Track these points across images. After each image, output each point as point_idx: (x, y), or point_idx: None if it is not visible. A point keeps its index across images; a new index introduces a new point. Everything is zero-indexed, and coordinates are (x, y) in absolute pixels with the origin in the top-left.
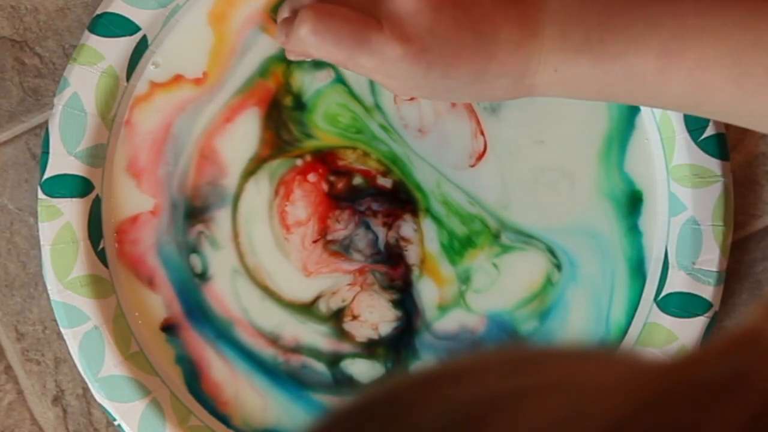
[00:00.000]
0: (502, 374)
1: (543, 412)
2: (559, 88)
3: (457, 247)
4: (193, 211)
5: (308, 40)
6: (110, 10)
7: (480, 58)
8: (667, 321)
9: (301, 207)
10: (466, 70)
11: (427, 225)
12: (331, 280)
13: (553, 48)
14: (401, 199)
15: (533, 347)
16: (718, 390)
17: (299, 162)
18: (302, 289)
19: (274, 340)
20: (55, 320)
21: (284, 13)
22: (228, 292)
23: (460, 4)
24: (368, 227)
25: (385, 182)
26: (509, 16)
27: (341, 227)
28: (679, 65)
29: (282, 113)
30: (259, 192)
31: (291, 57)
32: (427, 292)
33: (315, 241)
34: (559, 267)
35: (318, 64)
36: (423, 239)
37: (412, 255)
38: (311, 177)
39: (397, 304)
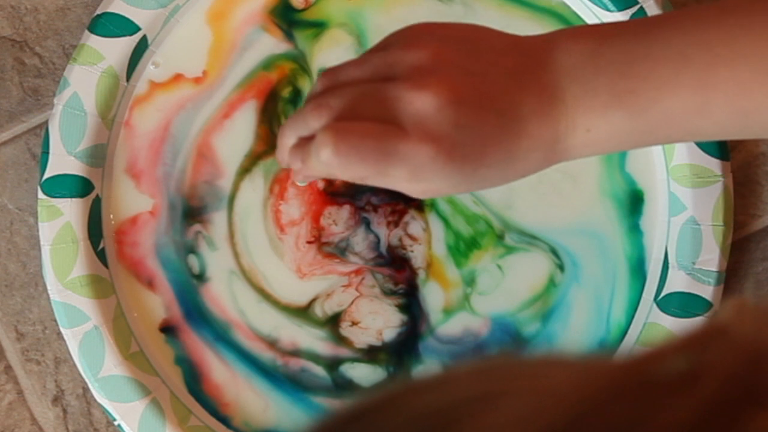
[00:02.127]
0: (469, 382)
1: (501, 415)
2: (595, 147)
3: (463, 249)
4: (191, 211)
5: (332, 162)
6: (110, 10)
7: (509, 136)
8: (667, 321)
9: (295, 206)
10: (499, 153)
11: (435, 224)
12: (326, 282)
13: (579, 109)
14: (404, 194)
15: (508, 357)
16: (671, 387)
17: None
18: (297, 292)
19: (272, 343)
20: (55, 320)
21: (290, 139)
22: (225, 294)
23: (477, 87)
24: (368, 227)
25: None
26: (525, 87)
27: (339, 229)
28: (718, 96)
29: (277, 106)
30: (254, 190)
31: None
32: (433, 296)
33: (309, 242)
34: (561, 268)
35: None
36: (431, 239)
37: (417, 257)
38: None
39: (402, 308)
